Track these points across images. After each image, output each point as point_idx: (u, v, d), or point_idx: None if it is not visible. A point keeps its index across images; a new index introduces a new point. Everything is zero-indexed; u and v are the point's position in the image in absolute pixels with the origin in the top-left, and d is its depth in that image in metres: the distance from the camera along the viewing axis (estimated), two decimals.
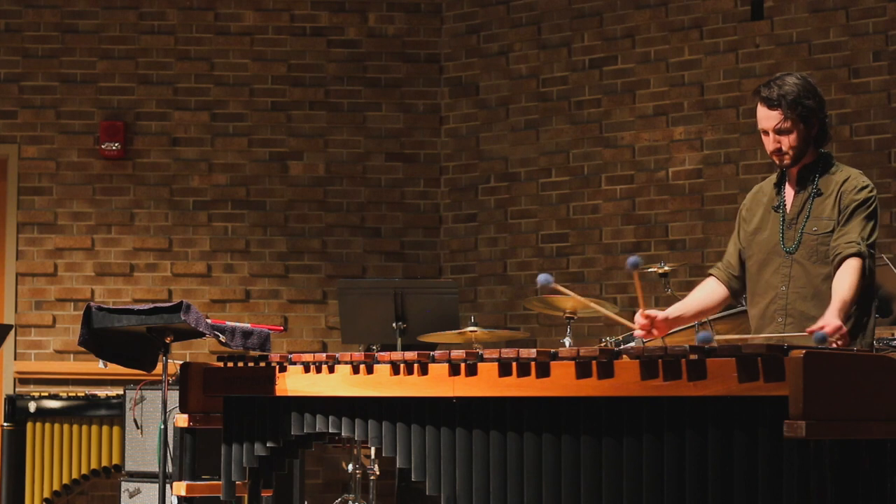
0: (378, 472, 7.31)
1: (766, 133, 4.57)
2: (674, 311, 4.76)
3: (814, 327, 4.17)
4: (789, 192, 4.66)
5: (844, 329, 4.24)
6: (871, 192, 4.55)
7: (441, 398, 4.28)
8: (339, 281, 7.92)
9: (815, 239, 4.53)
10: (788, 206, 4.63)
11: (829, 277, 4.49)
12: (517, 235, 8.70)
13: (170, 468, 6.47)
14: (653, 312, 4.64)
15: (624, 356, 3.84)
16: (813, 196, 4.58)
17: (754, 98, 4.62)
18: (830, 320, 4.23)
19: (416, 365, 4.36)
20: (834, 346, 4.16)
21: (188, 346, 8.39)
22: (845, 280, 4.38)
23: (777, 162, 4.60)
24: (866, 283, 4.47)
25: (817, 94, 4.59)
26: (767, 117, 4.55)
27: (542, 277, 4.57)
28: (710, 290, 4.84)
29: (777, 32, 7.99)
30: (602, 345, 5.60)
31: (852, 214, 4.50)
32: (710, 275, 4.88)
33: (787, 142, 4.54)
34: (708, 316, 5.19)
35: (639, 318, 4.64)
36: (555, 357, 3.99)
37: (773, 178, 4.74)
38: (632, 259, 4.60)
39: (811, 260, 4.54)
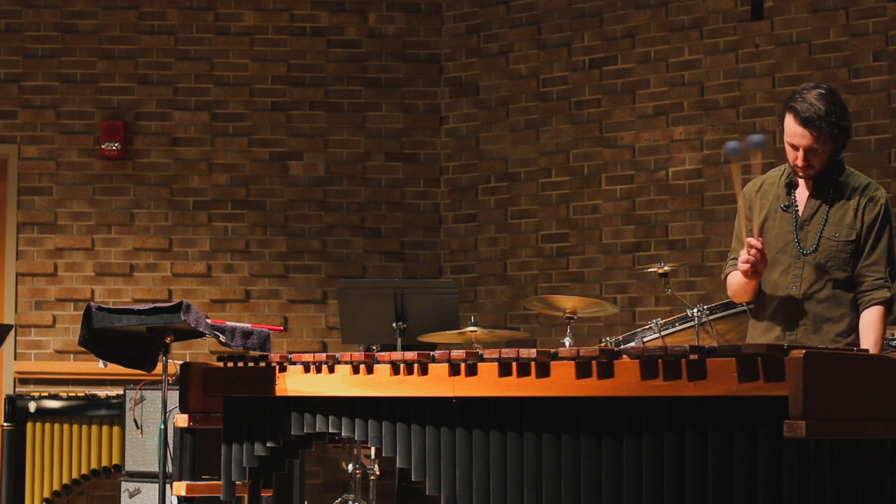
0: (378, 472, 7.31)
1: (795, 148, 4.53)
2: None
3: None
4: (802, 193, 4.65)
5: None
6: (888, 200, 4.60)
7: (441, 398, 4.28)
8: (339, 281, 7.92)
9: (835, 245, 4.56)
10: (801, 208, 4.63)
11: (846, 282, 4.55)
12: (517, 235, 8.70)
13: (170, 468, 6.47)
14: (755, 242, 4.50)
15: (624, 356, 3.84)
16: (832, 200, 4.59)
17: (785, 109, 4.53)
18: None
19: (416, 365, 4.36)
20: None
21: (188, 346, 8.39)
22: (871, 335, 4.47)
23: (801, 173, 4.59)
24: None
25: (846, 110, 4.55)
26: (802, 136, 4.49)
27: (731, 145, 4.51)
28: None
29: (777, 32, 7.99)
30: (602, 345, 5.60)
31: (879, 238, 4.55)
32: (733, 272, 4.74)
33: (816, 161, 4.54)
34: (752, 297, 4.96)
35: (754, 242, 4.50)
36: (555, 357, 3.99)
37: (778, 175, 4.73)
38: (731, 144, 4.55)
39: (829, 264, 4.56)
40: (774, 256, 4.62)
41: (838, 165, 4.62)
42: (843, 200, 4.58)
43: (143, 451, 7.41)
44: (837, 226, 4.56)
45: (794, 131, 4.51)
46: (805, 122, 4.47)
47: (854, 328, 4.55)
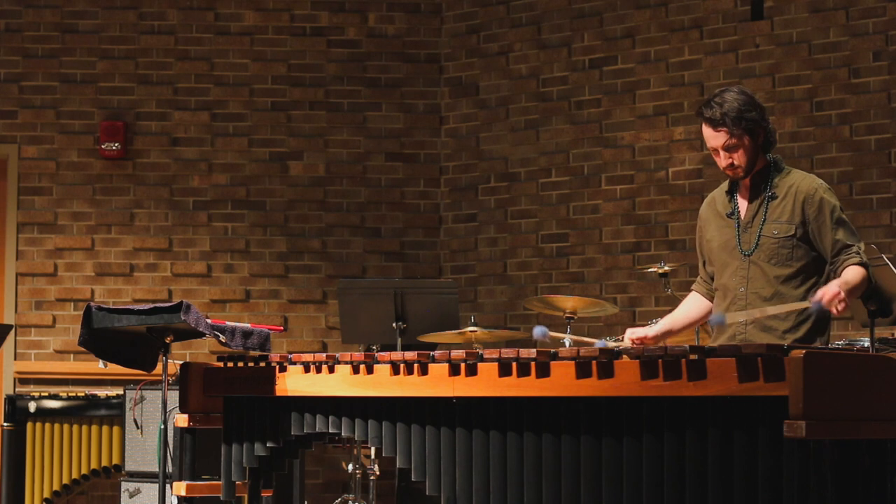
0: (378, 472, 7.31)
1: (717, 151, 4.69)
2: (662, 326, 4.91)
3: (812, 298, 4.31)
4: (742, 197, 4.78)
5: (843, 295, 4.33)
6: (828, 190, 4.69)
7: (441, 398, 4.29)
8: (339, 281, 7.92)
9: (776, 242, 4.66)
10: (742, 212, 4.76)
11: (790, 279, 4.63)
12: (517, 235, 8.70)
13: (170, 468, 6.47)
14: (640, 332, 4.75)
15: (624, 356, 3.84)
16: (768, 200, 4.70)
17: (698, 119, 4.75)
18: (829, 288, 4.35)
19: (416, 365, 4.36)
20: (834, 311, 4.34)
21: (188, 346, 8.39)
22: (852, 271, 4.52)
23: (731, 175, 4.74)
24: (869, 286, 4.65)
25: (758, 105, 4.70)
26: (714, 137, 4.66)
27: (537, 331, 4.68)
28: (695, 303, 4.99)
29: (777, 32, 7.99)
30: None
31: (835, 227, 4.62)
32: (693, 290, 5.03)
33: (738, 157, 4.67)
34: (696, 326, 5.31)
35: (627, 343, 4.75)
36: (555, 357, 3.99)
37: (725, 186, 4.87)
38: (538, 330, 4.72)
39: (771, 262, 4.66)
40: (724, 260, 4.77)
41: (775, 165, 4.74)
42: (780, 198, 4.68)
43: (143, 451, 7.41)
44: (776, 223, 4.66)
45: (707, 135, 4.70)
46: (712, 121, 4.66)
47: (801, 323, 4.61)
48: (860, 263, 4.56)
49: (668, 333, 4.89)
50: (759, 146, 4.68)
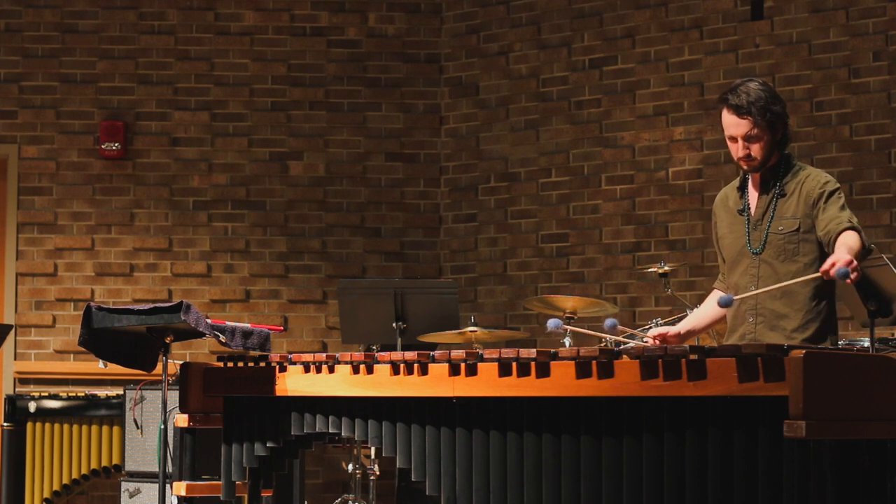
0: (378, 472, 7.31)
1: (735, 140, 4.64)
2: (685, 325, 4.86)
3: (825, 266, 4.16)
4: (753, 194, 4.75)
5: (855, 263, 4.18)
6: (835, 183, 4.65)
7: (441, 398, 4.29)
8: (339, 281, 7.92)
9: (781, 238, 4.63)
10: (753, 209, 4.72)
11: (798, 274, 4.58)
12: (517, 235, 8.70)
13: (170, 468, 6.47)
14: (663, 330, 4.73)
15: (624, 356, 3.84)
16: (777, 197, 4.67)
17: (719, 105, 4.68)
18: (841, 255, 4.20)
19: (416, 365, 4.36)
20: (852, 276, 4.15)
21: (188, 346, 8.39)
22: (850, 236, 4.40)
23: (745, 167, 4.69)
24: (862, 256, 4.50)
25: (781, 100, 4.67)
26: (737, 125, 4.61)
27: (551, 323, 4.61)
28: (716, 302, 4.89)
29: (777, 32, 7.99)
30: (602, 345, 5.60)
31: (827, 204, 4.57)
32: (714, 288, 4.97)
33: (756, 149, 4.63)
34: (718, 325, 5.27)
35: (651, 343, 4.73)
36: (555, 357, 3.99)
37: (736, 182, 4.83)
38: (608, 322, 4.66)
39: (779, 259, 4.64)
40: (734, 258, 4.73)
41: (786, 162, 4.70)
42: (788, 196, 4.66)
43: (143, 451, 7.41)
44: (782, 220, 4.64)
45: (728, 122, 4.63)
46: (736, 109, 4.59)
47: (810, 321, 4.60)
48: (852, 228, 4.47)
49: (691, 333, 4.84)
50: (776, 141, 4.64)
